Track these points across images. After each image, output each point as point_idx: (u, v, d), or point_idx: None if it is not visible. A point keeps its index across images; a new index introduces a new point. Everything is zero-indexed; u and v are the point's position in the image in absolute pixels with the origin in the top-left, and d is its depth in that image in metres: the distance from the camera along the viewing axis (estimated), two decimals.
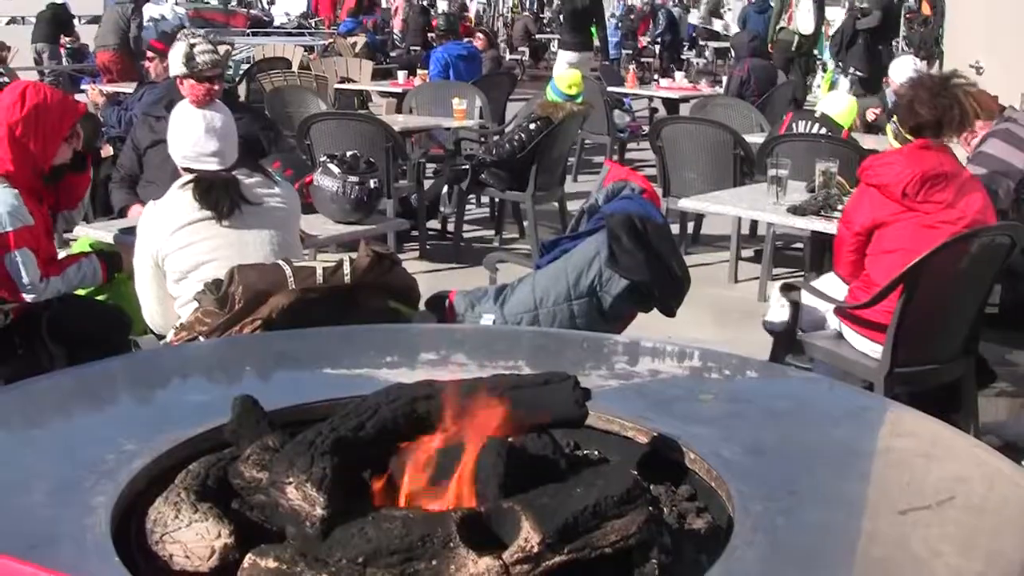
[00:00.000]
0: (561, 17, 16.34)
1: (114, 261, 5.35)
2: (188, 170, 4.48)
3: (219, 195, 4.35)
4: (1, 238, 4.79)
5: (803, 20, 17.31)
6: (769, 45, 17.06)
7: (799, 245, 9.03)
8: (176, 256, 4.34)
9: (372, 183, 5.93)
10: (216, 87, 6.04)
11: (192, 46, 6.08)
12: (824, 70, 22.13)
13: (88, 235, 5.89)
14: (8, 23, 25.30)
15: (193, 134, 4.45)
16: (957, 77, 5.02)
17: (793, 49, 17.44)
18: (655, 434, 2.36)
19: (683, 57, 27.98)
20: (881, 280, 4.82)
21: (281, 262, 3.97)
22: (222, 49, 16.07)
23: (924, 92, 4.95)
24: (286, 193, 4.63)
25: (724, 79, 15.56)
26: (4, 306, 4.84)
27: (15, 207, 4.82)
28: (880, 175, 4.91)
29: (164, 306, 4.46)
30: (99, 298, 5.66)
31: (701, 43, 29.98)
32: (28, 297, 4.90)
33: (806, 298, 5.31)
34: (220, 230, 4.35)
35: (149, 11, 19.47)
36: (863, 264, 5.05)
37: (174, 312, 4.42)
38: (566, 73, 9.32)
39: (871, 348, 4.94)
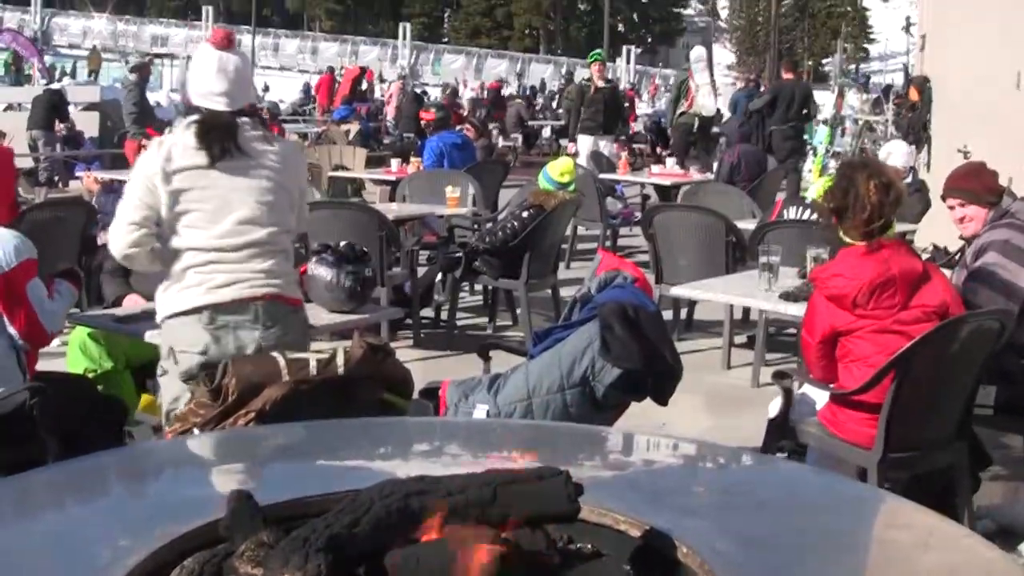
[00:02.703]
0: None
1: (72, 274, 5.43)
2: (197, 109, 4.56)
3: (216, 136, 4.43)
4: (23, 266, 4.84)
5: (705, 102, 18.01)
6: (669, 129, 17.78)
7: (792, 331, 9.04)
8: (166, 195, 4.40)
9: (366, 272, 5.97)
10: None
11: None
12: (815, 155, 22.36)
13: (81, 327, 5.93)
14: (5, 109, 25.50)
15: (206, 73, 4.52)
16: (868, 164, 5.05)
17: (694, 131, 18.21)
18: (648, 527, 2.36)
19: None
20: (853, 387, 4.85)
21: (275, 354, 3.99)
22: None
23: (835, 178, 5.03)
24: (284, 151, 4.70)
25: (715, 164, 15.68)
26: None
27: (22, 239, 4.90)
28: (829, 287, 4.93)
29: (141, 239, 4.45)
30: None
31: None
32: (48, 327, 4.93)
33: (798, 385, 5.33)
34: (211, 179, 4.42)
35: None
36: (835, 368, 5.06)
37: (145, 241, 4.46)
38: (558, 161, 9.41)
39: (863, 435, 4.94)
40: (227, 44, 4.59)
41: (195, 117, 4.52)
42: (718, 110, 19.99)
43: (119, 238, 4.46)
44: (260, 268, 4.49)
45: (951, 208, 6.05)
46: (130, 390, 6.07)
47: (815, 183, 8.96)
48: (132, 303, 6.08)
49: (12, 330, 4.88)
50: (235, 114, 4.52)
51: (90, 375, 5.88)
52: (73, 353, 5.98)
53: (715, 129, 19.61)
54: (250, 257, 4.48)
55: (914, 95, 16.73)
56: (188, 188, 4.41)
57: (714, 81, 19.40)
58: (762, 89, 19.47)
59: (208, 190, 4.43)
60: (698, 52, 19.28)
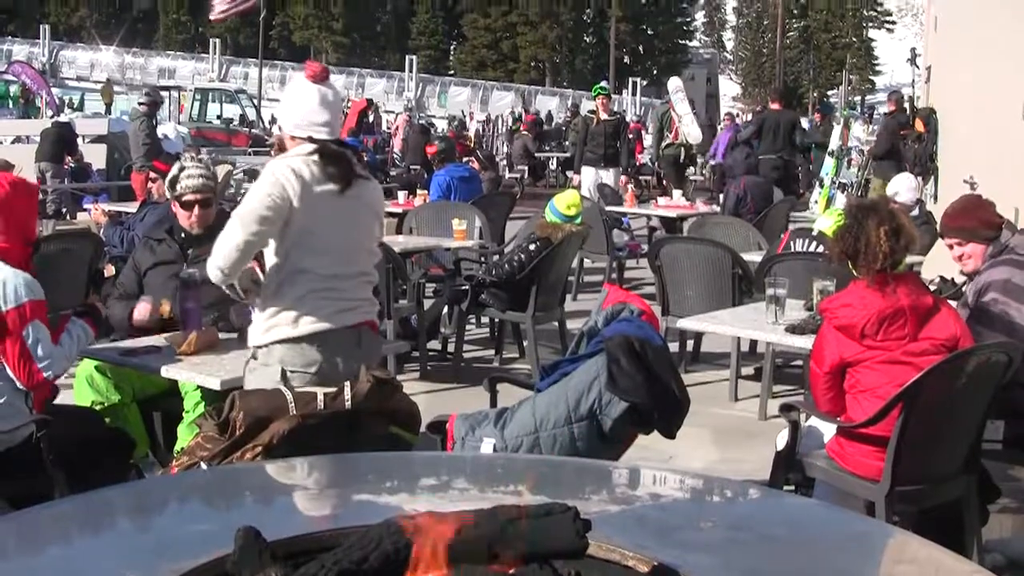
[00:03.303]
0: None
1: (95, 313, 5.43)
2: (296, 138, 4.67)
3: (340, 165, 4.59)
4: (19, 309, 4.84)
5: (691, 131, 18.24)
6: (656, 163, 18.02)
7: (799, 362, 9.05)
8: (297, 217, 4.50)
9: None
10: (197, 212, 6.25)
11: (181, 169, 6.31)
12: (821, 186, 22.39)
13: (89, 359, 5.93)
14: (13, 142, 25.58)
15: (307, 104, 4.65)
16: (877, 208, 5.04)
17: (682, 161, 18.46)
18: (655, 563, 2.36)
19: (693, 178, 28.19)
20: (861, 418, 4.84)
21: (282, 387, 4.00)
22: (222, 169, 16.28)
23: (846, 222, 5.03)
24: (372, 181, 4.91)
25: (721, 196, 15.70)
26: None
27: (28, 280, 4.91)
28: (839, 317, 4.94)
29: (262, 235, 4.54)
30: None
31: (699, 160, 30.29)
32: (46, 373, 4.92)
33: (805, 418, 5.32)
34: (338, 207, 4.58)
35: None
36: (842, 400, 5.05)
37: (249, 267, 4.63)
38: (564, 194, 9.41)
39: (871, 468, 4.93)
40: (324, 77, 4.73)
41: (312, 147, 4.60)
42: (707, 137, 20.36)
43: (231, 250, 4.52)
44: (366, 296, 4.76)
45: (950, 247, 6.04)
46: (137, 423, 6.06)
47: (822, 215, 8.96)
48: (146, 311, 6.07)
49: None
50: (335, 143, 4.67)
51: (97, 408, 5.87)
52: (80, 386, 5.97)
53: (713, 161, 19.78)
54: (360, 285, 4.72)
55: (920, 127, 16.80)
56: (319, 211, 4.53)
57: (695, 110, 19.69)
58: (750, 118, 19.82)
59: (334, 218, 4.57)
60: (675, 83, 19.54)
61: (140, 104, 18.06)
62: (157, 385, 5.88)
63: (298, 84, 4.76)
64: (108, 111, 40.05)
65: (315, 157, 4.57)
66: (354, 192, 4.63)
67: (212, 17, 43.91)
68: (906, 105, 19.83)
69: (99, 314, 5.53)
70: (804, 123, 21.98)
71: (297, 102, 4.70)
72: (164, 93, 29.00)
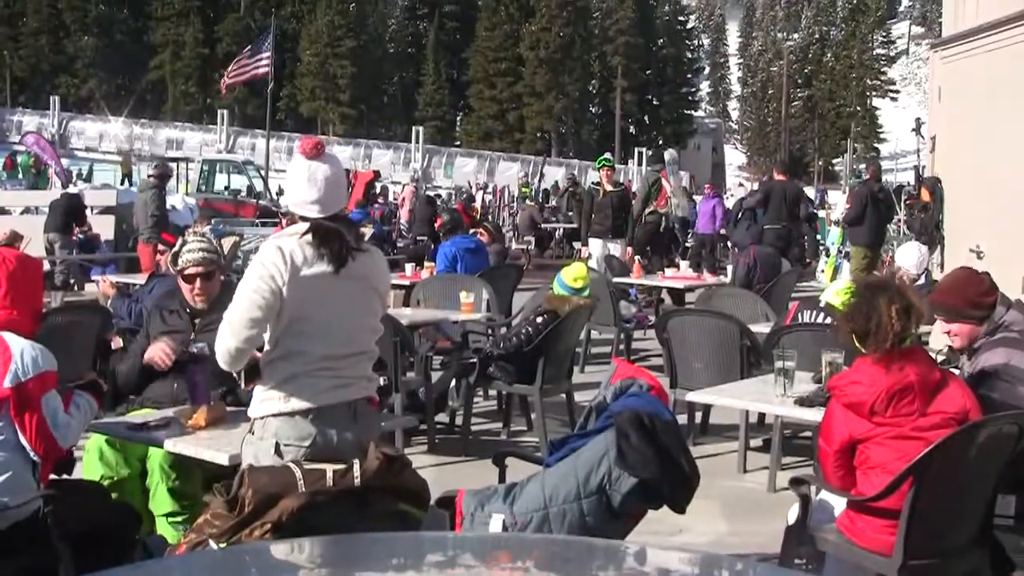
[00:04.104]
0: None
1: (96, 388, 5.43)
2: (289, 215, 4.76)
3: (333, 244, 4.55)
4: (38, 379, 4.86)
5: (680, 201, 18.53)
6: (635, 228, 18.31)
7: (808, 433, 9.01)
8: (289, 306, 4.47)
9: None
10: (200, 284, 6.31)
11: (183, 244, 6.38)
12: (828, 255, 22.47)
13: (98, 436, 5.93)
14: (22, 212, 25.72)
15: (298, 182, 4.65)
16: (887, 287, 5.04)
17: (661, 230, 18.66)
18: None
19: (687, 245, 28.31)
20: (872, 493, 4.82)
21: (291, 464, 3.99)
22: (229, 241, 16.28)
23: (850, 302, 5.02)
24: (373, 256, 4.85)
25: (729, 267, 15.73)
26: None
27: (43, 350, 4.92)
28: (847, 394, 4.93)
29: (255, 338, 4.52)
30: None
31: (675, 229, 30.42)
32: (62, 441, 4.92)
33: (816, 491, 5.29)
34: (332, 287, 4.55)
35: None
36: (853, 476, 5.03)
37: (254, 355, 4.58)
38: (572, 267, 9.42)
39: (882, 543, 4.90)
40: (316, 153, 4.70)
41: (305, 227, 4.60)
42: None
43: (236, 334, 4.50)
44: (362, 374, 4.71)
45: (940, 320, 5.99)
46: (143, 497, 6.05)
47: (829, 286, 8.96)
48: (160, 352, 6.10)
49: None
50: (332, 220, 4.63)
51: (106, 482, 5.86)
52: (90, 459, 5.97)
53: (724, 233, 19.97)
54: (357, 363, 4.68)
55: (926, 196, 16.90)
56: (311, 295, 4.51)
57: (684, 185, 20.09)
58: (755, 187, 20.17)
59: (329, 300, 4.55)
60: (671, 154, 19.93)
61: (150, 176, 18.19)
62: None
63: (295, 162, 4.75)
64: (126, 182, 40.27)
65: (308, 237, 4.55)
66: (351, 270, 4.60)
67: (225, 82, 44.15)
68: (881, 175, 20.23)
69: (101, 388, 5.54)
70: (810, 192, 22.18)
71: (292, 179, 4.71)
72: (171, 164, 29.19)
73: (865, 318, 4.90)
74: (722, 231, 22.21)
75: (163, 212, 17.41)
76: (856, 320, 4.94)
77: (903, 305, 4.89)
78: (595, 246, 16.79)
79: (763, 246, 14.97)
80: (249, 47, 41.09)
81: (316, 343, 4.53)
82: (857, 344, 5.01)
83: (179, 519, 5.82)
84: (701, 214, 24.75)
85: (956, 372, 5.56)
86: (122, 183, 39.82)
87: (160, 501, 5.84)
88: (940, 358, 6.47)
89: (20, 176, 43.20)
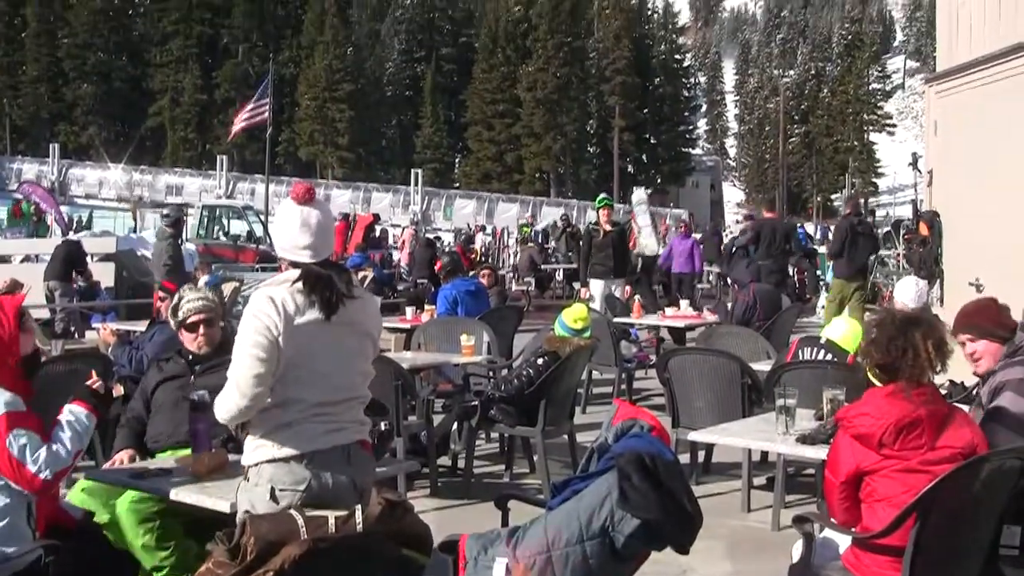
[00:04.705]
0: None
1: (97, 395, 5.38)
2: (284, 260, 4.69)
3: (324, 291, 4.54)
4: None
5: (648, 242, 18.65)
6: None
7: (811, 471, 9.00)
8: (286, 348, 4.46)
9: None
10: (203, 331, 6.50)
11: (180, 298, 6.54)
12: (827, 291, 22.47)
13: (85, 482, 5.91)
14: (22, 261, 25.78)
15: (290, 227, 4.65)
16: (921, 321, 5.05)
17: (639, 270, 18.81)
18: None
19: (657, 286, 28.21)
20: (877, 528, 4.81)
21: (293, 512, 3.99)
22: (229, 286, 16.30)
23: (882, 335, 5.02)
24: (365, 300, 4.88)
25: (728, 304, 15.74)
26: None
27: (4, 394, 4.90)
28: (856, 426, 4.93)
29: (263, 394, 4.48)
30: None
31: (706, 268, 30.41)
32: (43, 475, 4.89)
33: (819, 529, 5.28)
34: (325, 334, 4.54)
35: None
36: (858, 510, 5.02)
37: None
38: (572, 308, 9.43)
39: None
40: (309, 198, 4.71)
41: (296, 274, 4.60)
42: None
43: (244, 394, 4.46)
44: (355, 418, 4.71)
45: (962, 344, 6.04)
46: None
47: (830, 323, 8.96)
48: (120, 460, 6.14)
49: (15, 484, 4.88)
50: (322, 266, 4.64)
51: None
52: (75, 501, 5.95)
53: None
54: (350, 408, 4.68)
55: (924, 230, 16.97)
56: (306, 343, 4.51)
57: (655, 222, 20.20)
58: (746, 225, 20.41)
59: (321, 347, 4.55)
60: (639, 195, 20.10)
61: (166, 225, 18.23)
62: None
63: (284, 207, 4.76)
64: (138, 228, 40.29)
65: (298, 285, 4.55)
66: (342, 316, 4.59)
67: (231, 131, 44.40)
68: (861, 209, 20.48)
69: (101, 395, 5.45)
70: (810, 228, 22.26)
71: (282, 225, 4.70)
72: (183, 208, 29.24)
73: (901, 351, 4.89)
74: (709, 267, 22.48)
75: (176, 261, 17.45)
76: (891, 352, 4.93)
77: (937, 340, 4.91)
78: (596, 286, 16.81)
79: (763, 283, 14.97)
80: (255, 96, 41.09)
81: (311, 390, 4.52)
82: (876, 375, 5.02)
83: (164, 570, 5.77)
84: (678, 254, 24.86)
85: (962, 407, 5.57)
86: (134, 231, 39.93)
87: (142, 557, 5.79)
88: (943, 392, 6.47)
89: (19, 224, 43.28)
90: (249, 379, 4.42)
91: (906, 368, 4.88)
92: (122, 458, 6.17)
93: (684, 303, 16.09)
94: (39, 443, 4.92)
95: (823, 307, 22.42)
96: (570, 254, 32.07)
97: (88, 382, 5.39)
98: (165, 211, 19.98)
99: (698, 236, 30.25)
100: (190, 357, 6.54)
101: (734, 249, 18.30)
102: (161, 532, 5.70)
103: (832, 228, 23.59)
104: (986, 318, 6.01)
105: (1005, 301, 6.27)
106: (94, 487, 5.88)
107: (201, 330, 6.48)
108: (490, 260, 32.82)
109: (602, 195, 18.75)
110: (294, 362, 4.47)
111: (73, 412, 5.21)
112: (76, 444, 5.11)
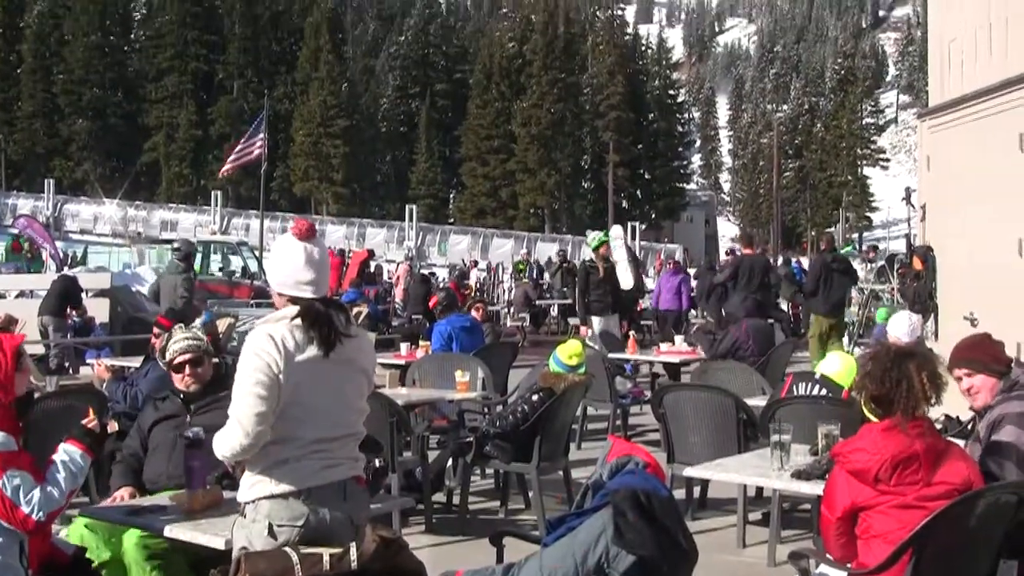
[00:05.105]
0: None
1: (93, 435, 5.33)
2: (282, 296, 4.69)
3: (323, 327, 4.55)
4: None
5: (623, 278, 18.69)
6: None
7: (807, 506, 8.97)
8: (285, 385, 4.46)
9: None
10: (189, 371, 6.58)
11: (168, 339, 6.62)
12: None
13: (81, 519, 5.89)
14: (17, 296, 25.74)
15: (293, 263, 4.66)
16: (915, 353, 5.06)
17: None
18: None
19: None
20: (873, 564, 4.80)
21: (288, 550, 3.98)
22: (224, 322, 16.29)
23: (876, 367, 5.02)
24: (360, 337, 4.85)
25: (713, 337, 15.72)
26: None
27: None
28: (851, 462, 4.93)
29: (265, 432, 4.46)
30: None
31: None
32: (36, 516, 4.88)
33: (815, 564, 5.27)
34: (324, 371, 4.55)
35: None
36: (854, 546, 5.01)
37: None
38: (567, 345, 9.43)
39: None
40: (311, 235, 4.74)
41: (295, 310, 4.60)
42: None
43: (247, 433, 4.45)
44: (351, 455, 4.72)
45: (959, 379, 6.05)
46: None
47: (825, 358, 8.96)
48: (120, 497, 6.13)
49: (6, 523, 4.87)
50: (322, 302, 4.66)
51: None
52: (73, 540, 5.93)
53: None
54: (343, 445, 4.68)
55: (918, 264, 16.99)
56: (304, 381, 4.52)
57: (633, 257, 20.30)
58: (724, 262, 20.63)
59: (319, 384, 4.56)
60: (616, 230, 20.17)
61: (178, 259, 18.28)
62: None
63: (284, 242, 4.77)
64: (141, 261, 40.25)
65: (297, 322, 4.56)
66: (339, 353, 4.61)
67: (225, 169, 44.37)
68: (836, 246, 20.90)
69: (96, 434, 5.42)
70: (805, 262, 22.31)
71: (282, 260, 4.71)
72: (165, 247, 29.25)
73: (895, 383, 4.90)
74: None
75: (191, 294, 17.51)
76: (885, 384, 4.93)
77: (931, 371, 4.92)
78: (596, 323, 16.80)
79: (756, 319, 14.95)
80: (247, 134, 41.08)
81: (308, 427, 4.53)
82: (870, 409, 5.02)
83: None
84: (665, 290, 24.92)
85: (958, 442, 5.57)
86: (128, 266, 39.88)
87: None
88: (937, 426, 6.47)
89: (15, 259, 43.26)
90: (251, 417, 4.41)
91: (901, 400, 4.88)
92: (122, 495, 6.17)
93: (679, 339, 16.08)
94: (32, 484, 4.91)
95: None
96: (565, 289, 32.10)
97: (84, 421, 5.36)
98: (176, 244, 19.91)
99: (692, 271, 30.29)
100: (182, 396, 6.57)
101: (712, 287, 18.43)
102: (167, 570, 5.69)
103: (805, 264, 23.79)
104: (983, 353, 6.03)
105: (1000, 335, 6.29)
106: (95, 524, 5.87)
107: (187, 370, 6.55)
108: (484, 296, 32.80)
109: (599, 234, 18.66)
110: (293, 399, 4.48)
111: (68, 452, 5.18)
112: (70, 484, 5.10)
